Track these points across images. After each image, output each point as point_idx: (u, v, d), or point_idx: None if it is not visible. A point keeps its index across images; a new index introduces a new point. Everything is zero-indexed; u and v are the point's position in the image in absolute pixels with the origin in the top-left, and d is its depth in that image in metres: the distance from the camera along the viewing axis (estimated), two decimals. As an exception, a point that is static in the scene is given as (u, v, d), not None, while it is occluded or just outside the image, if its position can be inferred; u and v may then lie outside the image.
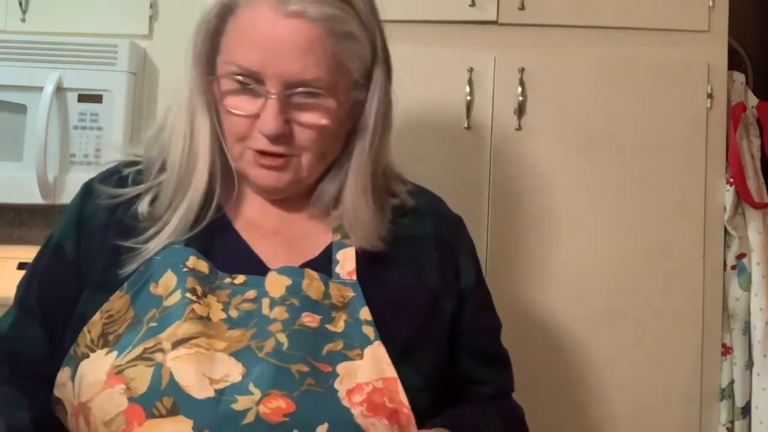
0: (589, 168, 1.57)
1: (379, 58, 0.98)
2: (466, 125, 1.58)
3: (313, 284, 0.93)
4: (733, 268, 1.58)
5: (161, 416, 0.82)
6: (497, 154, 1.58)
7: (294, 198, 1.01)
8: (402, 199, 1.04)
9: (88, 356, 0.88)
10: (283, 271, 0.93)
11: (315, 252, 0.98)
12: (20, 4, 1.78)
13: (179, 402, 0.83)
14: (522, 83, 1.57)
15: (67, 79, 1.73)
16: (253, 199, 1.01)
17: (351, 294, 0.94)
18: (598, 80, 1.58)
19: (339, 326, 0.91)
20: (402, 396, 0.88)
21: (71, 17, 1.79)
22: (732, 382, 1.55)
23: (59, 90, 1.72)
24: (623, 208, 1.57)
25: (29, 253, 2.00)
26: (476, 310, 1.05)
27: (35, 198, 1.74)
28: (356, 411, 0.85)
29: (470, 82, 1.58)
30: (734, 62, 1.78)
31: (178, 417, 0.82)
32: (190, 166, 0.95)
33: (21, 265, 1.94)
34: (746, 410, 1.54)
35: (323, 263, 0.96)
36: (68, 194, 1.78)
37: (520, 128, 1.58)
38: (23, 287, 1.00)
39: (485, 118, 1.58)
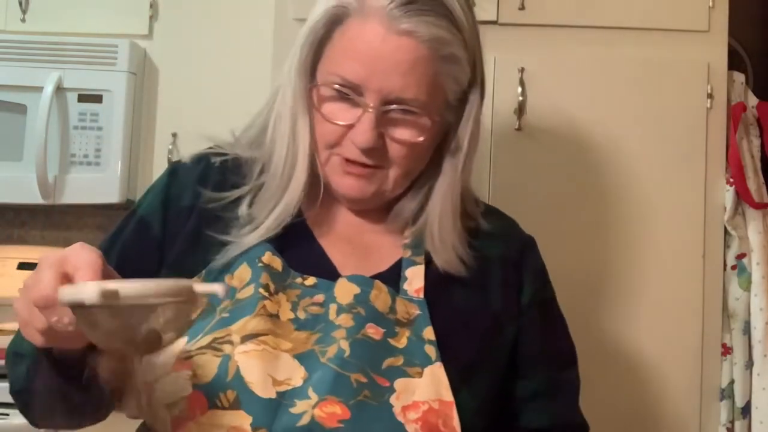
0: (589, 168, 1.57)
1: (477, 81, 0.98)
2: (466, 125, 1.58)
3: (380, 296, 0.93)
4: (733, 268, 1.58)
5: (223, 408, 0.84)
6: (497, 154, 1.58)
7: (373, 211, 1.02)
8: (477, 222, 1.04)
9: None
10: (353, 278, 0.94)
11: (385, 265, 0.98)
12: (20, 4, 1.79)
13: (242, 397, 0.84)
14: (522, 83, 1.57)
15: (67, 79, 1.74)
16: (334, 206, 1.02)
17: (416, 312, 0.94)
18: (598, 80, 1.58)
19: (402, 342, 0.91)
20: (456, 422, 0.88)
21: (71, 17, 1.80)
22: (732, 382, 1.55)
23: (59, 90, 1.73)
24: (623, 208, 1.57)
25: (29, 253, 2.01)
26: (529, 329, 1.03)
27: (35, 198, 1.74)
28: (411, 428, 0.85)
29: (470, 82, 1.58)
30: (734, 62, 1.78)
31: (239, 411, 0.83)
32: (291, 170, 0.96)
33: (21, 265, 1.95)
34: (746, 410, 1.55)
35: (392, 278, 0.97)
36: (68, 194, 1.79)
37: (520, 128, 1.58)
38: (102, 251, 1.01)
39: (485, 118, 1.57)
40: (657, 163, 1.57)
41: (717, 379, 1.55)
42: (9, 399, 1.40)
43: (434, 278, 0.97)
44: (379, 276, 0.96)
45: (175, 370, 0.86)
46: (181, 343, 0.87)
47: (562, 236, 1.57)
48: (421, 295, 0.95)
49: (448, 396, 0.88)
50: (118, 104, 1.74)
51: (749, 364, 1.56)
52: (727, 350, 1.57)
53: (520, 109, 1.58)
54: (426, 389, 0.88)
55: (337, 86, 0.92)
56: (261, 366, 0.85)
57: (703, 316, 1.55)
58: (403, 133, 0.93)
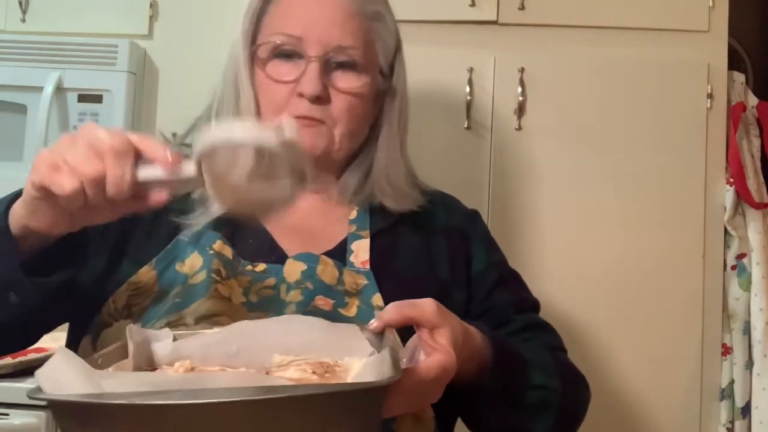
0: (589, 168, 1.57)
1: (400, 44, 1.07)
2: (466, 125, 1.58)
3: (327, 269, 0.95)
4: (733, 268, 1.58)
5: None
6: (497, 154, 1.58)
7: (319, 194, 1.05)
8: (422, 187, 1.09)
9: (111, 325, 0.90)
10: (299, 257, 0.96)
11: (332, 244, 1.01)
12: (20, 4, 1.79)
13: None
14: (522, 83, 1.57)
15: (67, 79, 1.73)
16: None
17: (364, 282, 0.96)
18: (598, 80, 1.58)
19: (352, 311, 0.93)
20: None
21: (71, 17, 1.79)
22: (732, 382, 1.55)
23: (59, 90, 1.73)
24: (623, 208, 1.57)
25: (29, 253, 2.01)
26: (488, 290, 1.05)
27: (35, 198, 1.73)
28: None
29: (470, 82, 1.58)
30: (734, 62, 1.78)
31: None
32: None
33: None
34: (746, 410, 1.54)
35: (339, 254, 0.99)
36: (68, 194, 1.79)
37: (520, 128, 1.58)
38: None
39: (485, 118, 1.58)
40: (657, 163, 1.57)
41: (717, 379, 1.55)
42: (9, 399, 1.41)
43: (380, 250, 1.01)
44: (326, 254, 0.98)
45: None
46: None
47: (561, 236, 1.57)
48: (368, 267, 0.98)
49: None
50: (118, 104, 1.74)
51: (749, 364, 1.56)
52: (727, 350, 1.57)
53: (520, 109, 1.58)
54: None
55: (279, 42, 0.98)
56: None
57: (703, 316, 1.55)
58: (345, 83, 0.99)
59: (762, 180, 1.64)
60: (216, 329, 0.78)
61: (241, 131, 0.69)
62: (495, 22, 1.59)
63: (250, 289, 0.93)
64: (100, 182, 0.67)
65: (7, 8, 1.80)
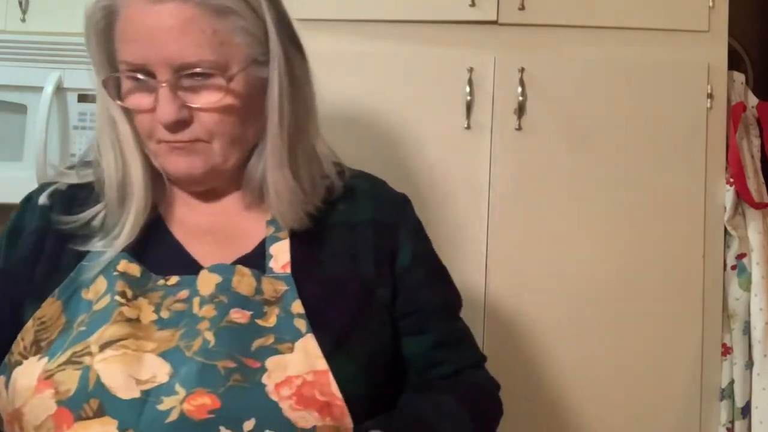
0: (589, 168, 1.57)
1: (271, 31, 0.95)
2: (466, 125, 1.58)
3: (244, 280, 0.93)
4: (733, 268, 1.58)
5: (88, 418, 0.83)
6: (497, 154, 1.58)
7: (225, 193, 1.02)
8: (333, 180, 1.03)
9: (21, 363, 0.89)
10: (214, 269, 0.94)
11: (249, 247, 0.98)
12: (20, 4, 1.78)
13: (105, 403, 0.83)
14: (522, 83, 1.57)
15: (67, 79, 1.73)
16: (185, 198, 1.01)
17: (284, 288, 0.94)
18: (598, 80, 1.58)
19: (271, 321, 0.91)
20: (334, 388, 0.87)
21: (71, 17, 1.78)
22: (732, 382, 1.55)
23: (59, 90, 1.73)
24: (623, 208, 1.57)
25: (29, 253, 2.01)
26: (415, 288, 1.02)
27: (35, 198, 1.73)
28: (285, 404, 0.85)
29: (470, 82, 1.58)
30: (734, 62, 1.78)
31: (104, 418, 0.83)
32: (126, 174, 0.96)
33: (21, 265, 1.94)
34: (746, 410, 1.54)
35: (257, 258, 0.96)
36: (68, 194, 1.78)
37: (520, 128, 1.58)
38: None
39: (485, 118, 1.58)
40: (657, 163, 1.57)
41: (717, 379, 1.55)
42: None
43: (302, 251, 0.97)
44: (243, 258, 0.96)
45: (38, 392, 0.85)
46: (42, 364, 0.87)
47: (561, 236, 1.57)
48: (288, 270, 0.95)
49: (322, 365, 0.88)
50: (118, 104, 1.74)
51: (749, 364, 1.55)
52: (727, 350, 1.56)
53: (520, 109, 1.58)
54: (298, 363, 0.87)
55: (130, 74, 0.92)
56: (122, 369, 0.85)
57: (703, 316, 1.55)
58: (203, 99, 0.92)
59: (762, 180, 1.64)
60: None
61: None
62: (495, 22, 1.59)
63: (162, 305, 0.91)
64: None
65: (7, 8, 1.80)
